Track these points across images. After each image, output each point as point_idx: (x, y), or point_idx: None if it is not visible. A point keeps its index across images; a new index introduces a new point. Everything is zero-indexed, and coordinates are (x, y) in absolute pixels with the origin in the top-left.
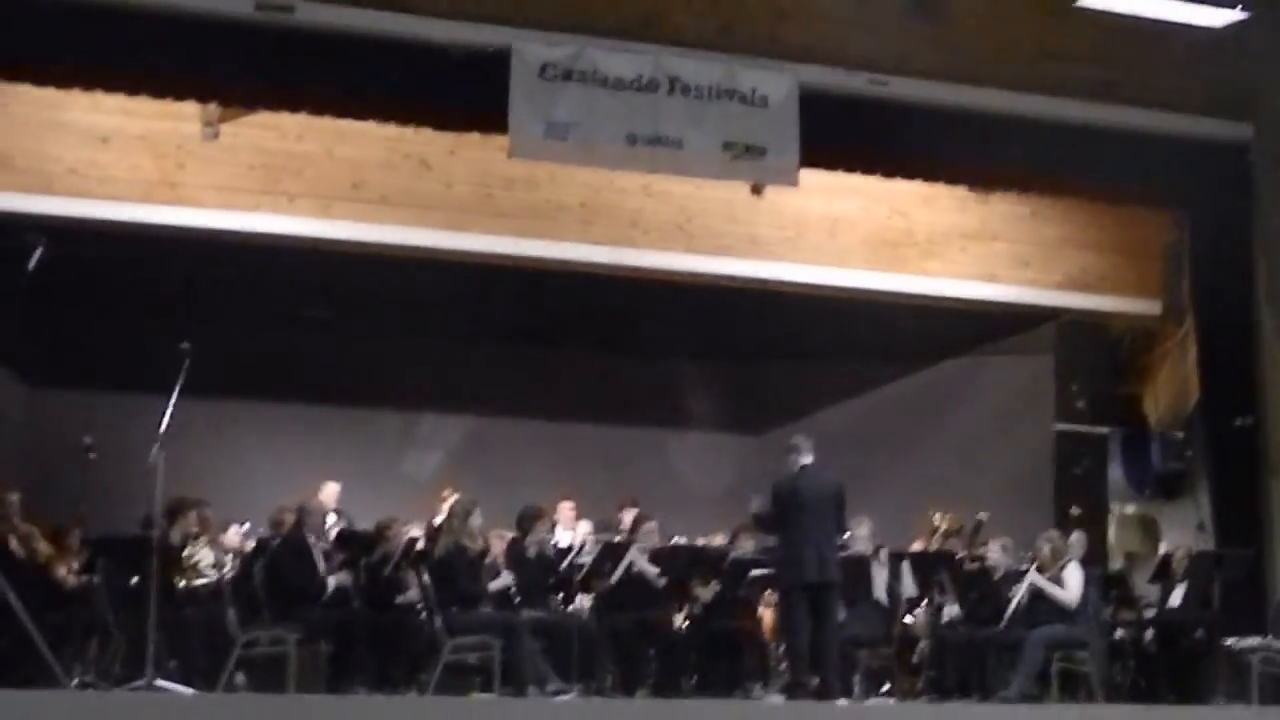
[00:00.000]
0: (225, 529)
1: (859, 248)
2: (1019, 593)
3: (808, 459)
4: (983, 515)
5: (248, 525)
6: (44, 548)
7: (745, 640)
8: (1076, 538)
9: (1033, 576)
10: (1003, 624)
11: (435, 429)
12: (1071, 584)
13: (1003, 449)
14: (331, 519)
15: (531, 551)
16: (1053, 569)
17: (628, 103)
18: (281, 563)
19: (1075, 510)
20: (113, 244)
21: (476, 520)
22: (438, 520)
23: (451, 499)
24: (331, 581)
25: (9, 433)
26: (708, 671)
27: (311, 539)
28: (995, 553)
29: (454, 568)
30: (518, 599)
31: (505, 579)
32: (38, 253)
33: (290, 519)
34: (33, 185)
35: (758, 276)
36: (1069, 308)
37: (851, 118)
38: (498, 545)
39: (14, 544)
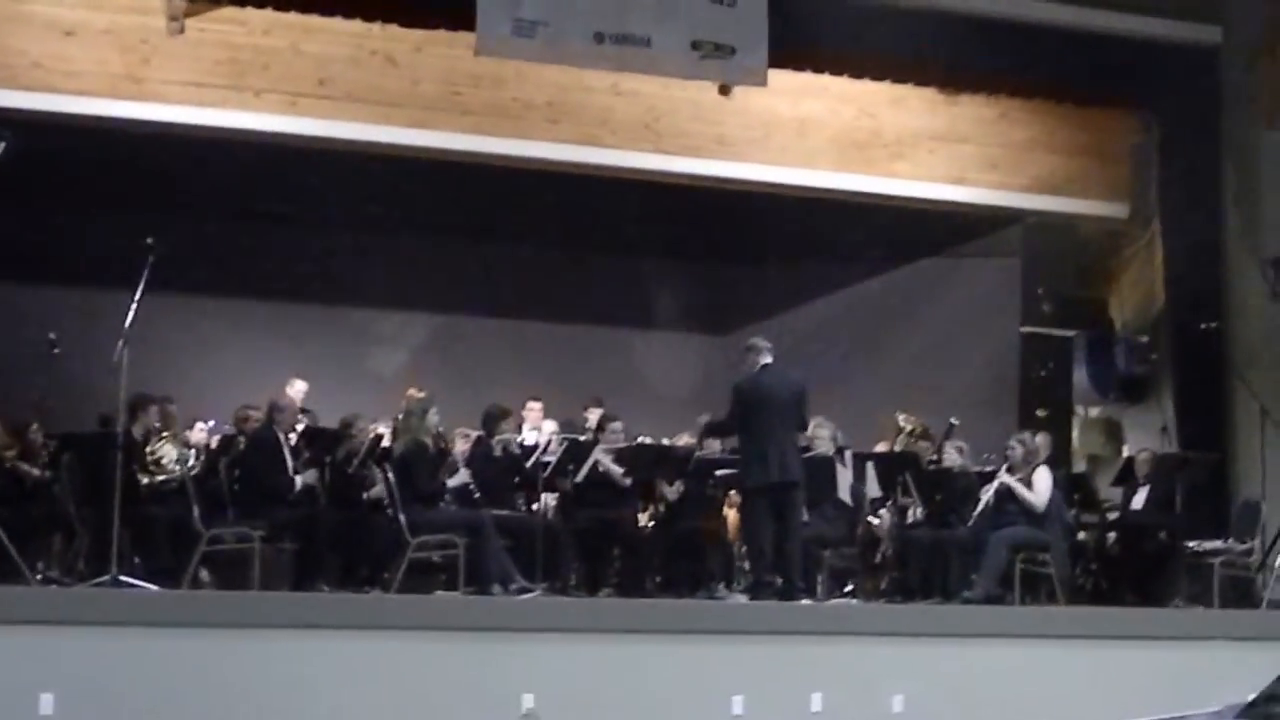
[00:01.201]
0: (190, 426)
1: (827, 149)
2: (988, 493)
3: (768, 359)
4: (954, 420)
5: (212, 423)
6: (5, 442)
7: (709, 540)
8: (1042, 440)
9: (1004, 477)
10: (969, 523)
11: (401, 327)
12: (1040, 487)
13: (968, 351)
14: (298, 417)
15: (497, 450)
16: (1023, 470)
17: (596, 0)
18: (251, 459)
19: (1041, 412)
20: (78, 138)
21: (434, 418)
22: (400, 417)
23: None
24: (299, 479)
25: None
26: (672, 571)
27: (280, 435)
28: (951, 454)
29: (413, 465)
30: (477, 495)
31: (463, 475)
32: (1, 146)
33: (255, 416)
34: None
35: (725, 176)
36: (1036, 210)
37: (820, 18)
38: (462, 444)
39: None
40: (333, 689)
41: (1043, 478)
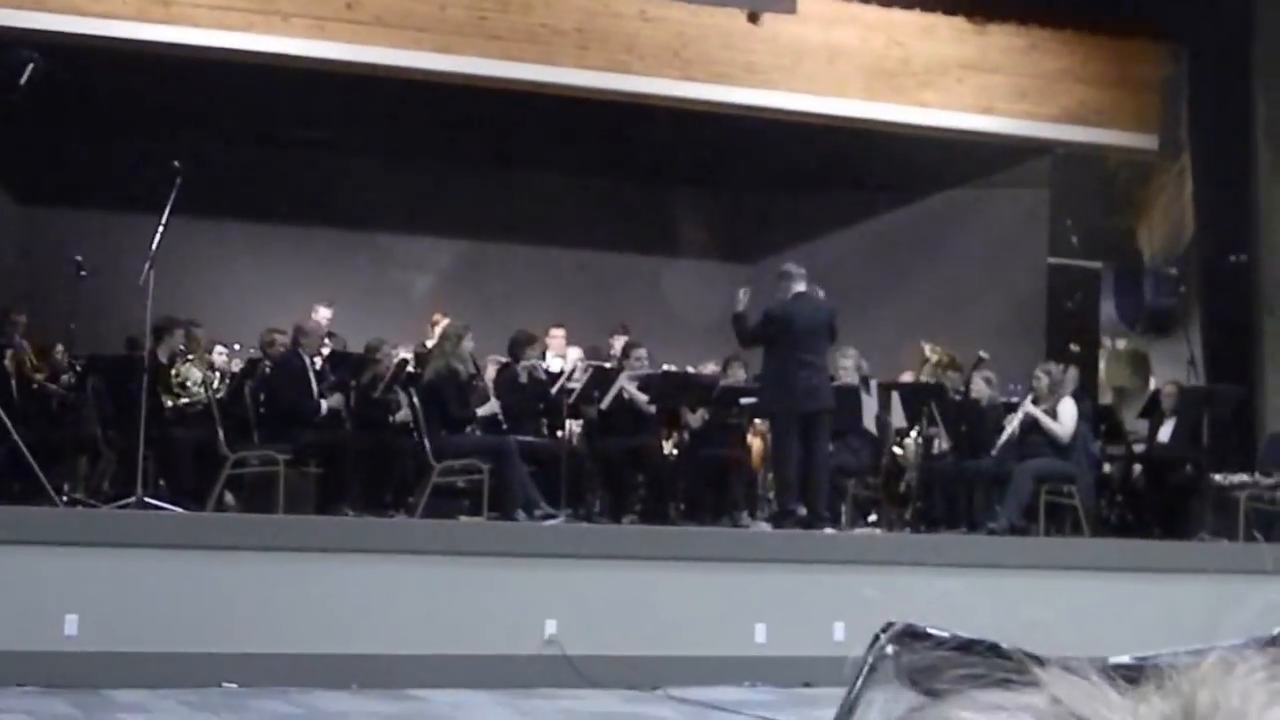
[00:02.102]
0: (214, 349)
1: (856, 77)
2: (1013, 424)
3: (800, 286)
4: (983, 353)
5: (238, 346)
6: (31, 367)
7: (733, 468)
8: (1071, 373)
9: (1028, 408)
10: (994, 453)
11: (426, 252)
12: (1066, 418)
13: (996, 282)
14: (324, 341)
15: (522, 376)
16: (1049, 401)
17: None
18: (276, 382)
19: (1074, 347)
20: (105, 61)
21: (468, 344)
22: (429, 343)
23: (442, 322)
24: (325, 403)
25: (0, 251)
26: (695, 499)
27: (306, 359)
28: (979, 385)
29: (444, 391)
30: (504, 425)
31: (493, 405)
32: (29, 69)
33: (280, 340)
34: (25, 1)
35: (753, 104)
36: (1066, 140)
37: None
38: (490, 370)
39: (7, 360)
40: (356, 613)
41: (1068, 409)
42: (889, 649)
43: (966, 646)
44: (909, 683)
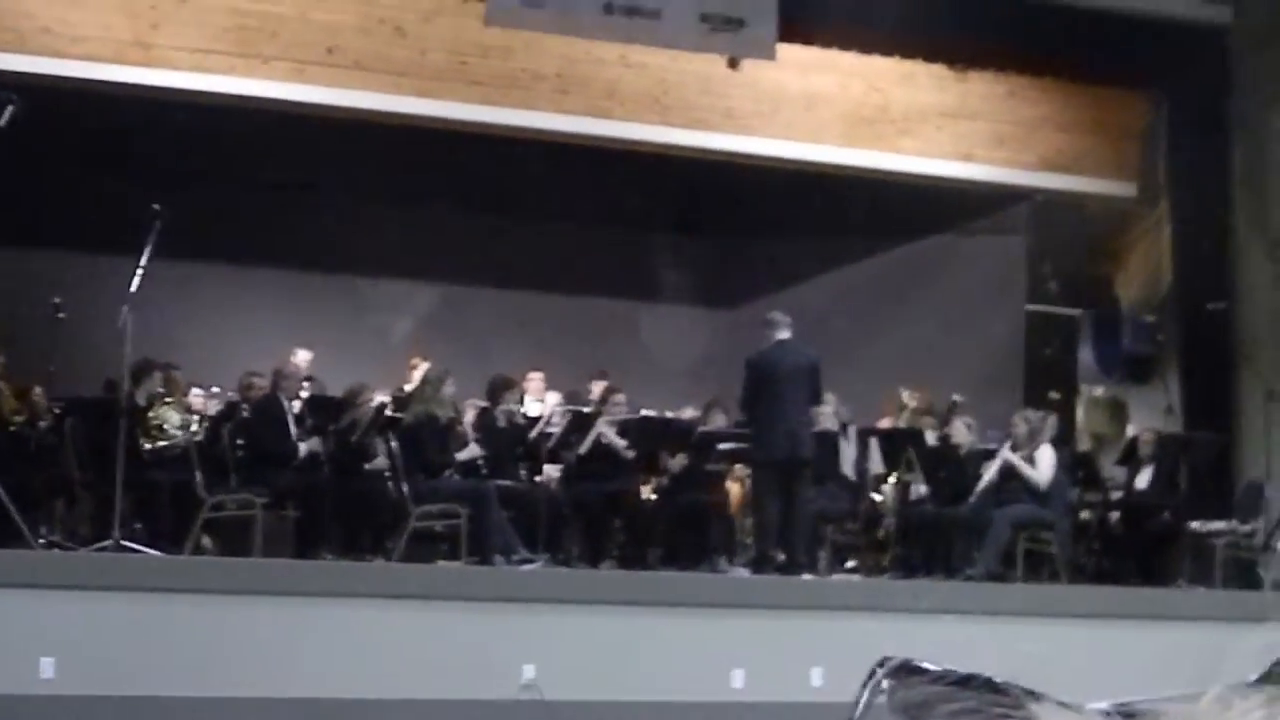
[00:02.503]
0: (191, 392)
1: (835, 124)
2: (991, 470)
3: (785, 334)
4: (958, 397)
5: (216, 389)
6: (9, 410)
7: (712, 513)
8: (1050, 420)
9: (1006, 454)
10: (971, 499)
11: (405, 296)
12: (1043, 464)
13: (974, 329)
14: (303, 385)
15: (501, 420)
16: (1027, 448)
17: None
18: (255, 425)
19: (1054, 395)
20: (85, 103)
21: (449, 389)
22: (408, 387)
23: (422, 367)
24: (303, 447)
25: None
26: (674, 544)
27: (285, 402)
28: (960, 430)
29: (423, 436)
30: (484, 471)
31: (473, 450)
32: (8, 110)
33: (259, 384)
34: (4, 42)
35: (732, 150)
36: (1044, 188)
37: None
38: (470, 413)
39: None
40: (334, 657)
41: (1046, 456)
42: (885, 684)
43: (963, 682)
44: (902, 717)
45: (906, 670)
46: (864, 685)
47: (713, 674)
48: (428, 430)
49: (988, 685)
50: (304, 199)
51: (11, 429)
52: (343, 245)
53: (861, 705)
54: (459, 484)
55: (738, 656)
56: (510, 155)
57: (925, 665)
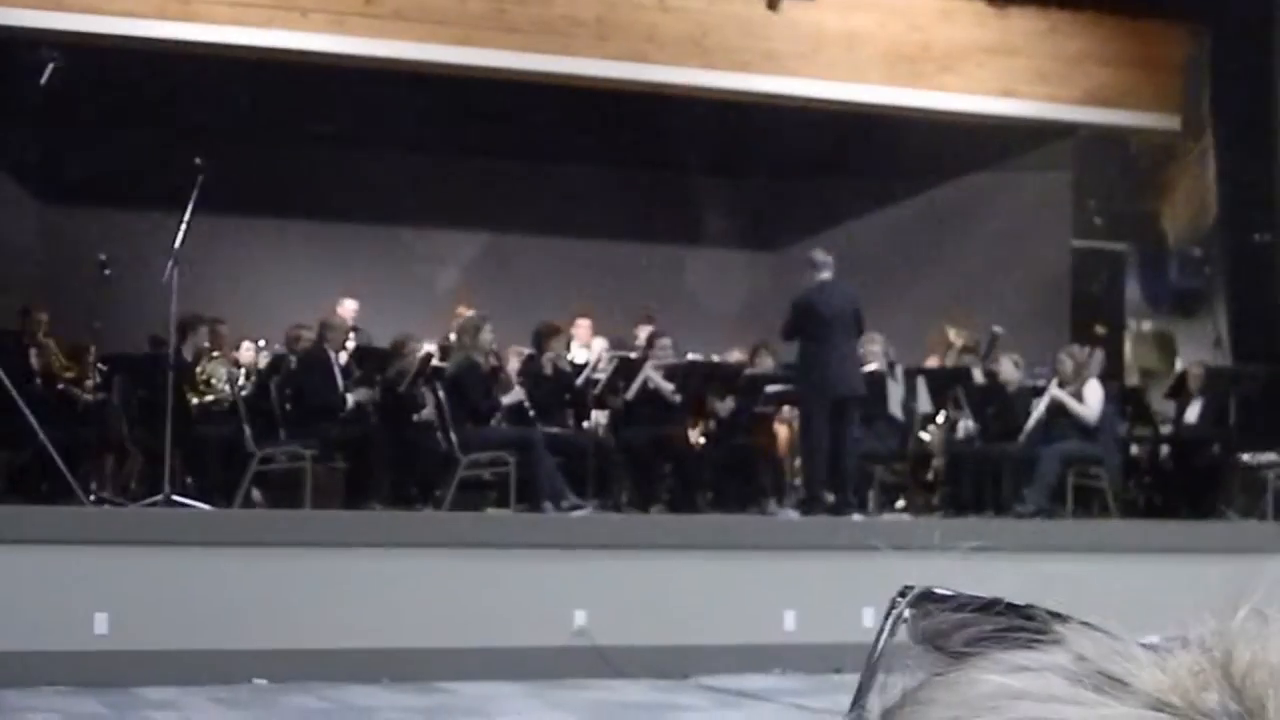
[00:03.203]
0: (239, 346)
1: (876, 63)
2: (1039, 407)
3: (827, 274)
4: (998, 328)
5: (263, 342)
6: (60, 365)
7: (761, 456)
8: (1097, 355)
9: (1054, 391)
10: (1021, 438)
11: (450, 246)
12: (1091, 400)
13: (1020, 266)
14: (350, 335)
15: (547, 367)
16: (1074, 384)
17: None
18: (302, 377)
19: (1100, 329)
20: (125, 60)
21: (487, 336)
22: (453, 337)
23: (466, 315)
24: (350, 397)
25: (24, 251)
26: (723, 487)
27: (332, 354)
28: (1008, 368)
29: (466, 383)
30: (531, 413)
31: (518, 393)
32: (50, 69)
33: (306, 336)
34: (45, 1)
35: (773, 92)
36: (1088, 123)
37: None
38: (515, 361)
39: (34, 359)
40: (385, 607)
41: (1094, 391)
42: (907, 612)
43: (986, 607)
44: (925, 646)
45: (929, 598)
46: (885, 615)
47: (765, 616)
48: (470, 377)
49: (1011, 609)
50: (346, 151)
51: (60, 387)
52: (386, 196)
53: (884, 636)
54: (507, 432)
55: (789, 598)
56: (551, 102)
57: (947, 591)
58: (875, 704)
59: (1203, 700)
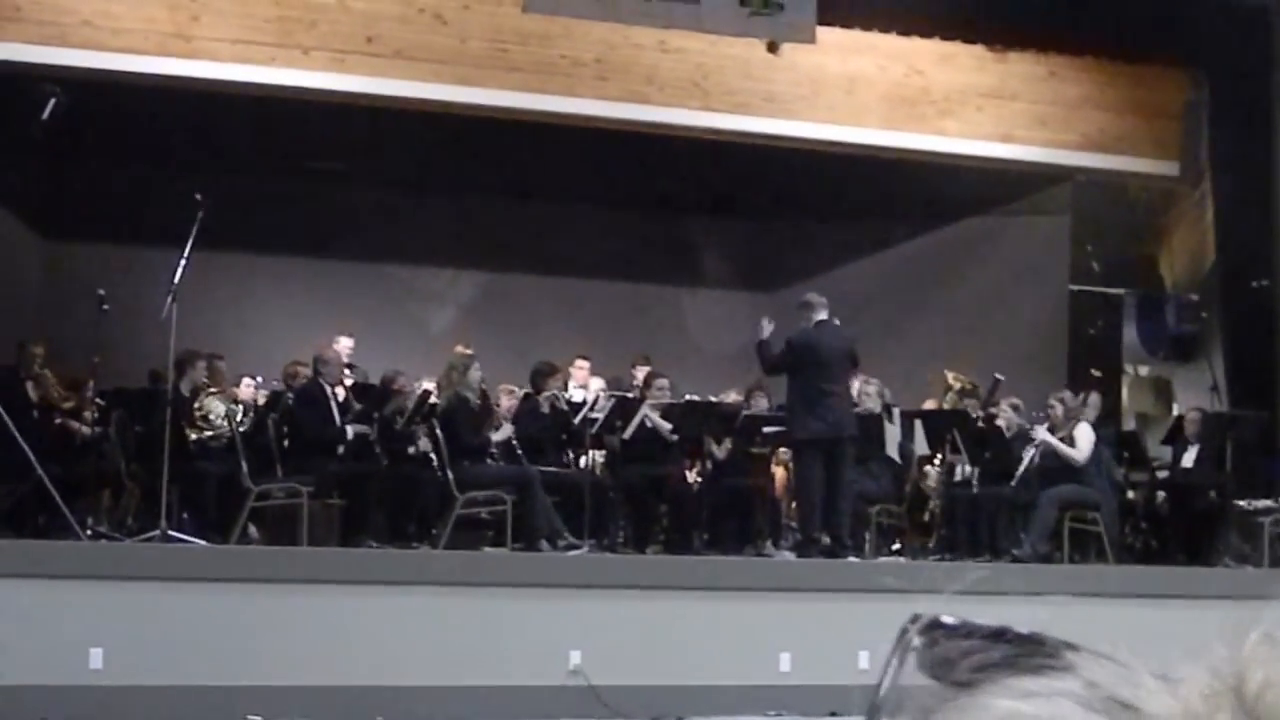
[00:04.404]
0: (238, 382)
1: (875, 106)
2: (1030, 452)
3: (822, 315)
4: (999, 375)
5: (260, 379)
6: (59, 397)
7: (757, 497)
8: (1093, 399)
9: (1043, 435)
10: (1014, 482)
11: (448, 284)
12: (1083, 443)
13: (1018, 310)
14: (346, 371)
15: (544, 406)
16: (1064, 428)
17: None
18: (300, 413)
19: (1095, 373)
20: (126, 96)
21: (475, 374)
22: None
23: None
24: (349, 431)
25: (23, 285)
26: (719, 528)
27: (328, 389)
28: (1007, 412)
29: (455, 420)
30: (519, 452)
31: (506, 431)
32: (51, 104)
33: (303, 372)
34: (47, 36)
35: (773, 134)
36: (1086, 168)
37: None
38: (506, 400)
39: (31, 393)
40: (380, 645)
41: (1084, 434)
42: (916, 641)
43: (994, 635)
44: (932, 675)
45: (938, 627)
46: (895, 644)
47: (760, 657)
48: (459, 413)
49: (1021, 638)
50: (345, 188)
51: (58, 421)
52: (384, 234)
53: (892, 667)
54: (503, 470)
55: (785, 640)
56: (551, 142)
57: (954, 621)
58: None
59: None
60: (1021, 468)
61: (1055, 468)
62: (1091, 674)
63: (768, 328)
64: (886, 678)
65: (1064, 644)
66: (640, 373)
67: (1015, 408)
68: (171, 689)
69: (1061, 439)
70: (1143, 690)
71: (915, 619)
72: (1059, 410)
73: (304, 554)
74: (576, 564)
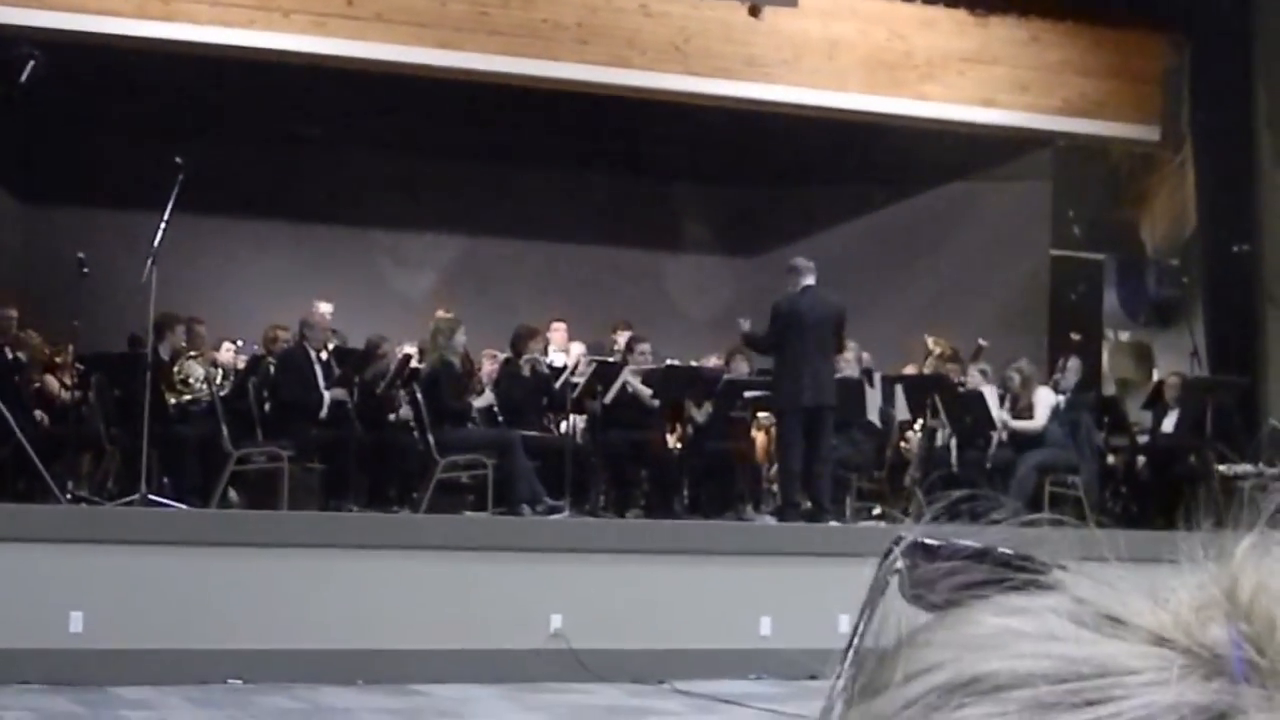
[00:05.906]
0: (218, 346)
1: (857, 70)
2: (998, 433)
3: (809, 280)
4: (983, 341)
5: (240, 343)
6: (48, 354)
7: (738, 462)
8: (1074, 364)
9: (1002, 416)
10: (990, 451)
11: (428, 248)
12: (1040, 409)
13: (999, 274)
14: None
15: (525, 370)
16: (1023, 396)
17: None
18: (281, 377)
19: (1075, 336)
20: (106, 59)
21: (460, 339)
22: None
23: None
24: (328, 396)
25: (2, 249)
26: (700, 492)
27: (313, 353)
28: (975, 377)
29: (439, 384)
30: (500, 418)
31: (488, 397)
32: (30, 66)
33: (284, 337)
34: None
35: (755, 98)
36: (1067, 132)
37: None
38: (489, 365)
39: (9, 355)
40: (361, 608)
41: (1042, 398)
42: (900, 564)
43: (980, 555)
44: (914, 598)
45: (922, 548)
46: (878, 568)
47: (740, 621)
48: (443, 378)
49: (1006, 556)
50: (325, 152)
51: (35, 386)
52: (364, 198)
53: (875, 588)
54: (484, 434)
55: (765, 604)
56: (532, 106)
57: (937, 542)
58: (871, 649)
59: (1205, 634)
60: (991, 448)
61: (1024, 438)
62: (1080, 590)
63: (745, 325)
64: (869, 601)
65: (1051, 563)
66: (621, 337)
67: (983, 373)
68: (151, 652)
69: (1022, 406)
70: (1132, 604)
71: (898, 540)
72: (1016, 380)
73: (284, 518)
74: (557, 528)
